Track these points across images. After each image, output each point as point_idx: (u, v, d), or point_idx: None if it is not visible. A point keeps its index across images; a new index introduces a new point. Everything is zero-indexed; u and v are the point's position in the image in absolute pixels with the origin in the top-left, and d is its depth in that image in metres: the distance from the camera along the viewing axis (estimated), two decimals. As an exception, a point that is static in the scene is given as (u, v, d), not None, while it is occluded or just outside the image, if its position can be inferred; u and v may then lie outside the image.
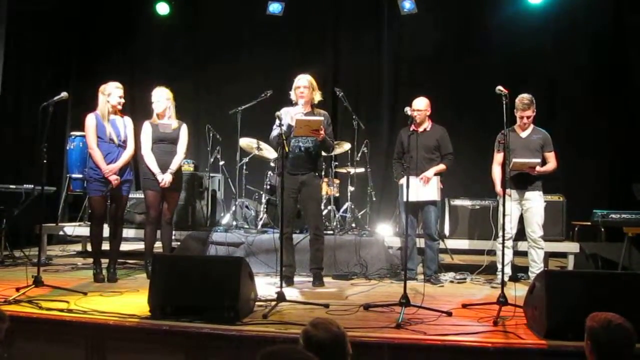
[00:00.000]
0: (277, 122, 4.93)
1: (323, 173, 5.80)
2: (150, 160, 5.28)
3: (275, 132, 5.08)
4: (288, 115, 5.07)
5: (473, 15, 7.78)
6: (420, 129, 5.45)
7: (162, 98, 5.33)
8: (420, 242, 5.61)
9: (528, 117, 5.28)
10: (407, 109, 4.72)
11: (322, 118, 5.03)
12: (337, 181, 6.86)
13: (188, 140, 5.50)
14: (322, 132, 4.95)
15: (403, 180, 5.11)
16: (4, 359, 3.62)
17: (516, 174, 5.18)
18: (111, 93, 5.14)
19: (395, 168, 5.69)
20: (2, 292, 4.34)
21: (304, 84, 5.08)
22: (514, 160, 5.04)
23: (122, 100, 5.20)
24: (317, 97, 5.17)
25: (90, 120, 5.11)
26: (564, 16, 7.49)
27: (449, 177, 5.71)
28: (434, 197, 5.37)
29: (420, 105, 5.44)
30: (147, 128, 5.34)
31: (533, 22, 7.53)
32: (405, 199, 4.43)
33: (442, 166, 5.45)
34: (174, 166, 5.30)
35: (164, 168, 5.26)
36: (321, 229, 5.33)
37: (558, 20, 7.53)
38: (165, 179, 5.23)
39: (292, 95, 5.16)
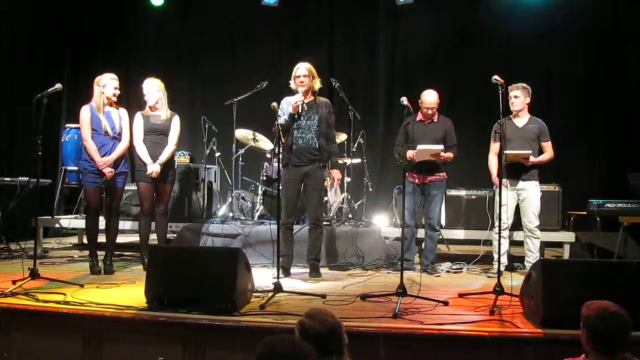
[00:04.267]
0: (279, 112, 4.95)
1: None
2: (141, 150, 5.26)
3: (279, 120, 5.08)
4: (289, 105, 5.06)
5: (470, 6, 7.75)
6: (428, 120, 5.47)
7: (153, 90, 5.30)
8: (418, 232, 5.61)
9: (516, 97, 5.27)
10: (404, 99, 4.69)
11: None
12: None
13: (181, 131, 5.48)
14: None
15: (410, 152, 5.09)
16: (3, 358, 3.63)
17: (512, 164, 5.18)
18: (106, 84, 5.11)
19: (396, 150, 5.59)
20: (-1, 284, 4.33)
21: (303, 73, 5.06)
22: (506, 152, 5.02)
23: (118, 92, 5.17)
24: (317, 84, 5.15)
25: (84, 112, 5.08)
26: (562, 8, 7.47)
27: (446, 167, 5.71)
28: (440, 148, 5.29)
29: (432, 99, 5.40)
30: (138, 119, 5.31)
31: (531, 14, 7.50)
32: (404, 192, 4.43)
33: (450, 154, 5.43)
34: (163, 157, 5.26)
35: (154, 159, 5.23)
36: (321, 220, 5.33)
37: (555, 11, 7.51)
38: (154, 169, 5.20)
39: (292, 84, 5.14)
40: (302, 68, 5.08)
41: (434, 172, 5.44)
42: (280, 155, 4.92)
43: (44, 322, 3.72)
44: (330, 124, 5.21)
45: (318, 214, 5.26)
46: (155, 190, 5.34)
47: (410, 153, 5.22)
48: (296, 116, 5.03)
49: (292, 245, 5.26)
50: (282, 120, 5.00)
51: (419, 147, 5.23)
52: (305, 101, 5.08)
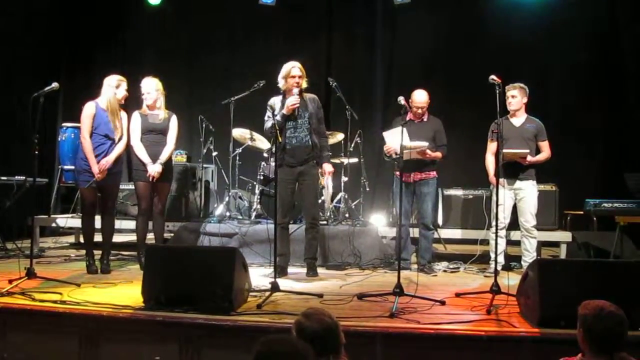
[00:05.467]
0: (269, 112, 4.93)
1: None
2: (140, 150, 5.24)
3: (268, 123, 5.06)
4: (281, 105, 5.04)
5: (468, 6, 7.75)
6: (418, 119, 5.47)
7: (151, 89, 5.28)
8: (414, 232, 5.62)
9: (513, 97, 5.29)
10: (401, 98, 4.70)
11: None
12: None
13: (179, 130, 5.47)
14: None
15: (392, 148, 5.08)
16: (3, 358, 3.62)
17: (509, 164, 5.19)
18: (119, 85, 5.11)
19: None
20: (-5, 284, 4.32)
21: (299, 73, 5.03)
22: (504, 150, 5.03)
23: (127, 94, 5.17)
24: (304, 84, 5.12)
25: (89, 108, 5.05)
26: (559, 8, 7.48)
27: (442, 167, 5.71)
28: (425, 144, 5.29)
29: (423, 99, 5.41)
30: (136, 118, 5.29)
31: (528, 14, 7.50)
32: (400, 187, 4.42)
33: (439, 153, 5.44)
34: (163, 157, 5.26)
35: (153, 159, 5.22)
36: (317, 219, 5.33)
37: (553, 12, 7.51)
38: (155, 169, 5.19)
39: (281, 83, 5.10)
40: (297, 68, 5.04)
41: (422, 171, 5.44)
42: (274, 155, 4.89)
43: (41, 321, 3.71)
44: (320, 118, 5.20)
45: (314, 213, 5.25)
46: (153, 189, 5.33)
47: (386, 147, 5.26)
48: (289, 117, 4.97)
49: (288, 244, 5.26)
50: (273, 121, 4.99)
51: (388, 142, 5.24)
52: (298, 100, 5.03)
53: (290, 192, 5.16)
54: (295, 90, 5.01)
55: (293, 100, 4.98)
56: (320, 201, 6.33)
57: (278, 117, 4.97)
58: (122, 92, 5.11)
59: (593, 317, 2.39)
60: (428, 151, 5.30)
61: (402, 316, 3.61)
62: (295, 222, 5.88)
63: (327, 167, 5.31)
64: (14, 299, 3.90)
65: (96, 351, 3.60)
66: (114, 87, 5.09)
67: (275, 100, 5.12)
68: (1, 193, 6.33)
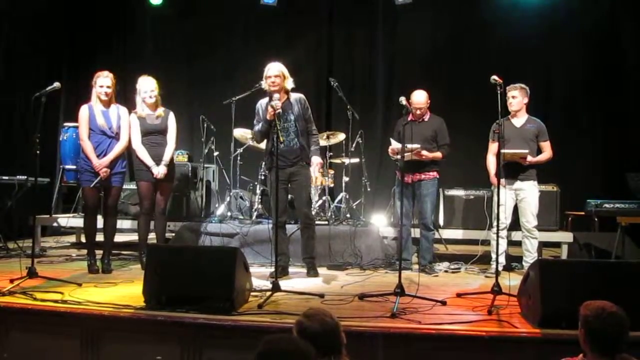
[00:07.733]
0: (257, 116, 4.92)
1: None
2: (142, 153, 5.23)
3: (256, 126, 5.07)
4: (264, 108, 4.99)
5: (469, 6, 7.75)
6: (418, 119, 5.47)
7: (153, 87, 5.27)
8: (415, 232, 5.62)
9: (514, 97, 5.28)
10: (402, 99, 4.69)
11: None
12: (331, 171, 6.85)
13: (178, 129, 5.48)
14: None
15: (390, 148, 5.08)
16: (3, 358, 3.63)
17: (510, 164, 5.19)
18: (96, 82, 5.12)
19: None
20: (-4, 283, 4.32)
21: (274, 73, 4.92)
22: (503, 150, 5.01)
23: (107, 90, 5.11)
24: (289, 84, 5.02)
25: (83, 111, 5.09)
26: (560, 8, 7.48)
27: (444, 167, 5.71)
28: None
29: (421, 99, 5.41)
30: (134, 121, 5.26)
31: (529, 14, 7.51)
32: (401, 186, 4.42)
33: (438, 154, 5.44)
34: (167, 157, 5.27)
35: (156, 160, 5.23)
36: (311, 218, 5.31)
37: (554, 12, 7.51)
38: (160, 171, 5.20)
39: (264, 84, 5.03)
40: (273, 68, 4.95)
41: (422, 171, 5.44)
42: (266, 158, 4.87)
43: (42, 321, 3.72)
44: (307, 118, 5.13)
45: (307, 211, 5.24)
46: (155, 189, 5.33)
47: (390, 148, 5.28)
48: (272, 122, 4.78)
49: (287, 244, 5.26)
50: (259, 126, 4.98)
51: (393, 144, 5.24)
52: (280, 100, 4.86)
53: (284, 192, 5.14)
54: (276, 96, 4.80)
55: (273, 105, 4.72)
56: (320, 202, 6.33)
57: (262, 122, 4.95)
58: (98, 88, 5.11)
59: (594, 317, 2.39)
60: (424, 152, 5.29)
61: (403, 316, 3.61)
62: (297, 222, 5.88)
63: (315, 160, 5.15)
64: (15, 299, 3.90)
65: (97, 351, 3.60)
66: (92, 84, 5.13)
67: (262, 102, 5.09)
68: (3, 192, 6.34)
